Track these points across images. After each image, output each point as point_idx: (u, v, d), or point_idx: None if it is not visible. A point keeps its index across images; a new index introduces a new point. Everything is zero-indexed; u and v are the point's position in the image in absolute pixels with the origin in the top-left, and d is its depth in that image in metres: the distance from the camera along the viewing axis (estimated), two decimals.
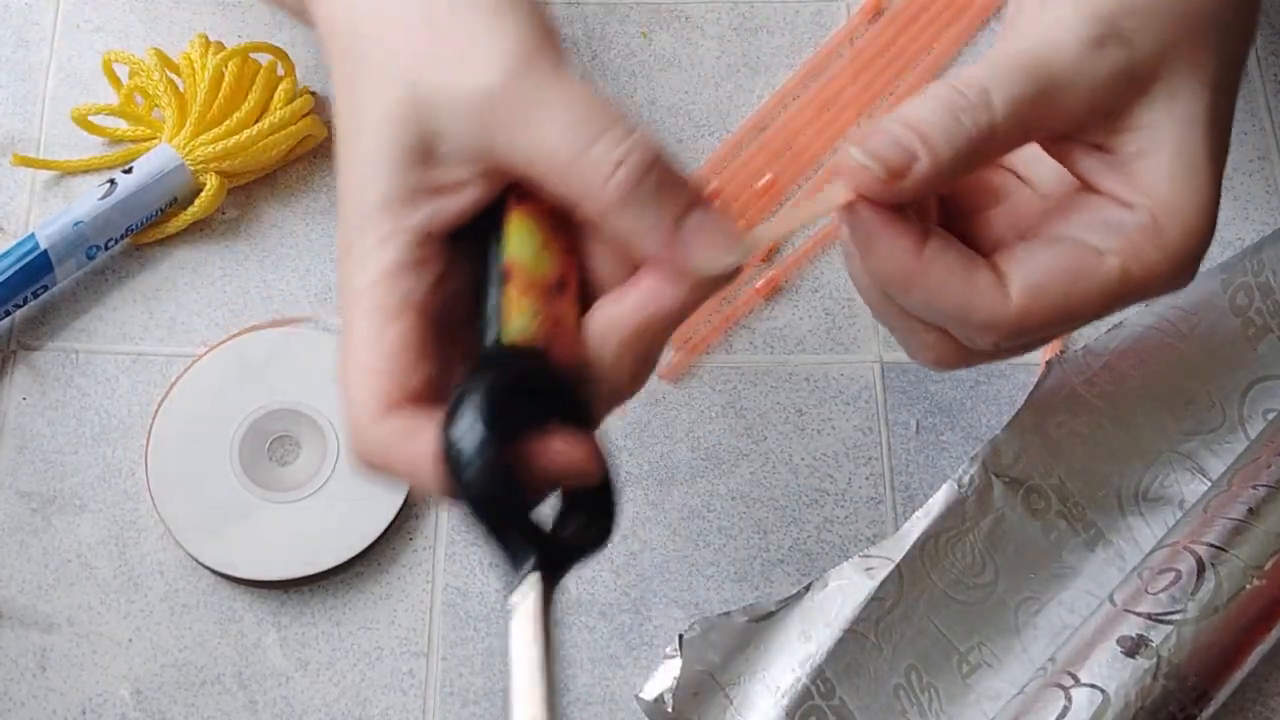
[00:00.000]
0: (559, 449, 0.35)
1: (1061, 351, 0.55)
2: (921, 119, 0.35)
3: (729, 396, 0.56)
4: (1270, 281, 0.52)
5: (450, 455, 0.34)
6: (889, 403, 0.56)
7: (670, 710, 0.49)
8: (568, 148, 0.35)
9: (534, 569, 0.35)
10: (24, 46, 0.62)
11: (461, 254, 0.37)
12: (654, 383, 0.56)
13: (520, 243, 0.37)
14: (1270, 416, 0.52)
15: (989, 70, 0.35)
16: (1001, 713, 0.48)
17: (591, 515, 0.37)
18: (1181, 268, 0.37)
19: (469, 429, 0.34)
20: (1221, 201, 0.61)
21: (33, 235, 0.55)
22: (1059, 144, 0.37)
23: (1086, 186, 0.37)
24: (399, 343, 0.36)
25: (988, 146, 0.35)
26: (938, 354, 0.39)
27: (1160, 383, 0.53)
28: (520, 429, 0.35)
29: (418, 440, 0.35)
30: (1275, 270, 0.52)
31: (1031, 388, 0.53)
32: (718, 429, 0.56)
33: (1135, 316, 0.53)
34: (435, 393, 0.36)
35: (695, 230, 0.35)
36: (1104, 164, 0.37)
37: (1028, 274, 0.36)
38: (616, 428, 0.56)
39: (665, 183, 0.35)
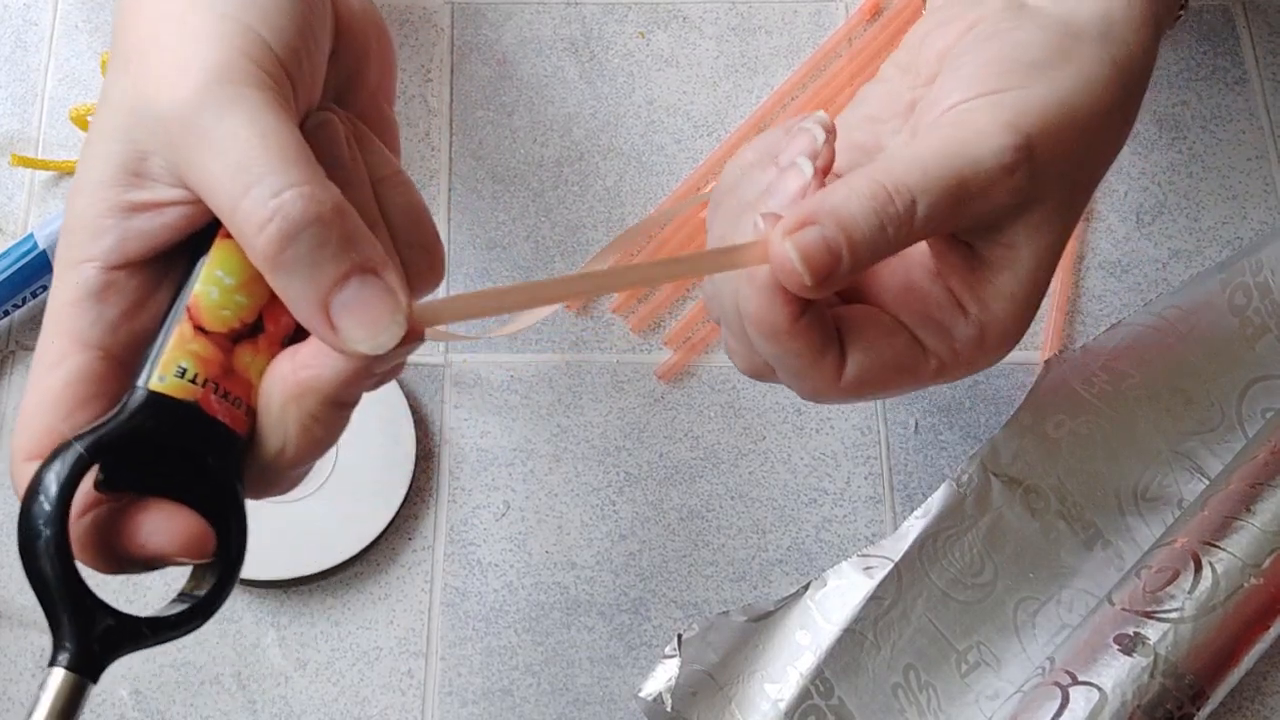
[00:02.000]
0: (152, 525, 0.34)
1: (1060, 351, 0.55)
2: (854, 224, 0.36)
3: (728, 396, 0.56)
4: (1269, 281, 0.52)
5: (20, 521, 0.33)
6: (888, 402, 0.56)
7: (669, 710, 0.49)
8: (226, 190, 0.32)
9: (60, 664, 0.33)
10: (22, 47, 0.62)
11: (170, 279, 0.35)
12: (653, 383, 0.56)
13: (216, 278, 0.35)
14: (1269, 416, 0.52)
15: (919, 179, 0.36)
16: (1000, 711, 0.48)
17: (192, 596, 0.35)
18: (985, 365, 0.40)
19: (38, 496, 0.33)
20: (1219, 201, 0.62)
21: (31, 235, 0.55)
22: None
23: (938, 273, 0.39)
24: (65, 381, 0.34)
25: (899, 247, 0.37)
26: (748, 365, 0.41)
27: (1159, 382, 0.53)
28: (133, 490, 0.33)
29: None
30: (1274, 270, 0.52)
31: (1030, 387, 0.53)
32: (717, 429, 0.56)
33: (1134, 316, 0.53)
34: None
35: (347, 305, 0.33)
36: (961, 261, 0.39)
37: (862, 365, 0.38)
38: (616, 428, 0.56)
39: (320, 247, 0.32)
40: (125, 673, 0.51)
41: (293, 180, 0.32)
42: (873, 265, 0.37)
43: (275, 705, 0.51)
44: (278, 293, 0.33)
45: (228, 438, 0.35)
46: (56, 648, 0.33)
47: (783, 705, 0.49)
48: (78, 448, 0.33)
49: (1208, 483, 0.52)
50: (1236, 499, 0.49)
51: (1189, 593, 0.47)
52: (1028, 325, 0.39)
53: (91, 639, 0.33)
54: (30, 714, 0.33)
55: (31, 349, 0.56)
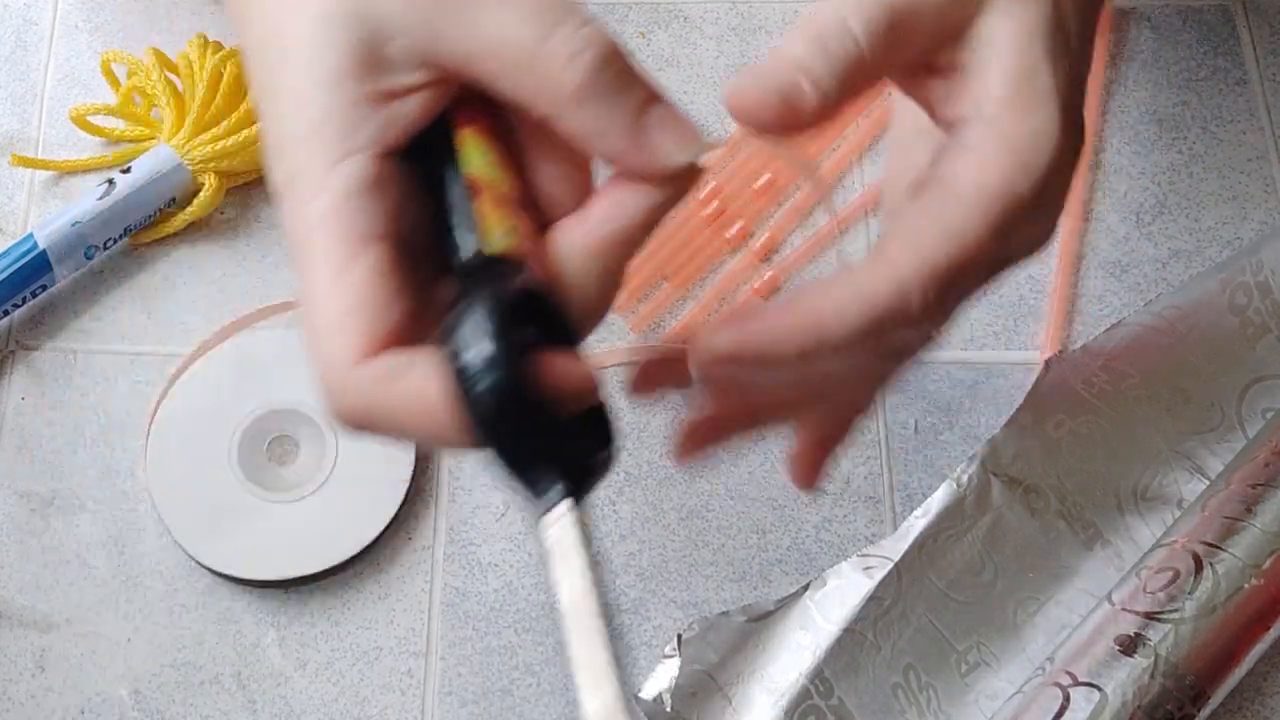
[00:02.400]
0: (563, 368, 0.33)
1: (1060, 351, 0.55)
2: (793, 55, 0.35)
3: None
4: (1269, 281, 0.52)
5: (459, 375, 0.31)
6: (887, 402, 0.56)
7: (669, 710, 0.49)
8: (523, 39, 0.32)
9: (564, 494, 0.32)
10: (22, 47, 0.62)
11: (409, 179, 0.34)
12: None
13: (477, 159, 0.34)
14: (1269, 416, 0.52)
15: (838, 4, 0.35)
16: (1000, 712, 0.48)
17: (594, 437, 0.34)
18: (1038, 175, 0.35)
19: (476, 344, 0.31)
20: (1219, 201, 0.62)
21: (31, 235, 0.55)
22: (915, 81, 0.38)
23: (937, 120, 0.37)
24: (370, 276, 0.33)
25: (858, 73, 0.35)
26: (873, 390, 0.39)
27: (1159, 382, 0.53)
28: (522, 347, 0.32)
29: (407, 380, 0.32)
30: (1274, 270, 0.52)
31: (1030, 387, 0.53)
32: None
33: (1134, 316, 0.53)
34: (416, 329, 0.33)
35: (658, 123, 0.34)
36: (947, 87, 0.37)
37: (900, 233, 0.35)
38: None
39: (626, 74, 0.34)
40: (125, 672, 0.51)
41: (588, 18, 0.33)
42: (841, 90, 0.35)
43: (275, 705, 0.51)
44: (583, 128, 0.33)
45: (555, 295, 0.34)
46: (543, 488, 0.32)
47: (782, 705, 0.49)
48: (490, 296, 0.32)
49: (1208, 483, 0.52)
50: (1237, 499, 0.49)
51: (1189, 593, 0.47)
52: (1062, 121, 0.35)
53: (571, 467, 0.33)
54: (559, 555, 0.32)
55: (31, 349, 0.56)
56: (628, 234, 0.34)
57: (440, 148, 0.34)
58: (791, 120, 0.35)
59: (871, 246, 0.39)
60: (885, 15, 0.35)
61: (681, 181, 0.34)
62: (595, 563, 0.32)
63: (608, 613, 0.31)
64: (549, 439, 0.32)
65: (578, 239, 0.34)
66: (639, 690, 0.49)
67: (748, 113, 0.35)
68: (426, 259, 0.34)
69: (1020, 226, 0.36)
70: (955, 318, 0.38)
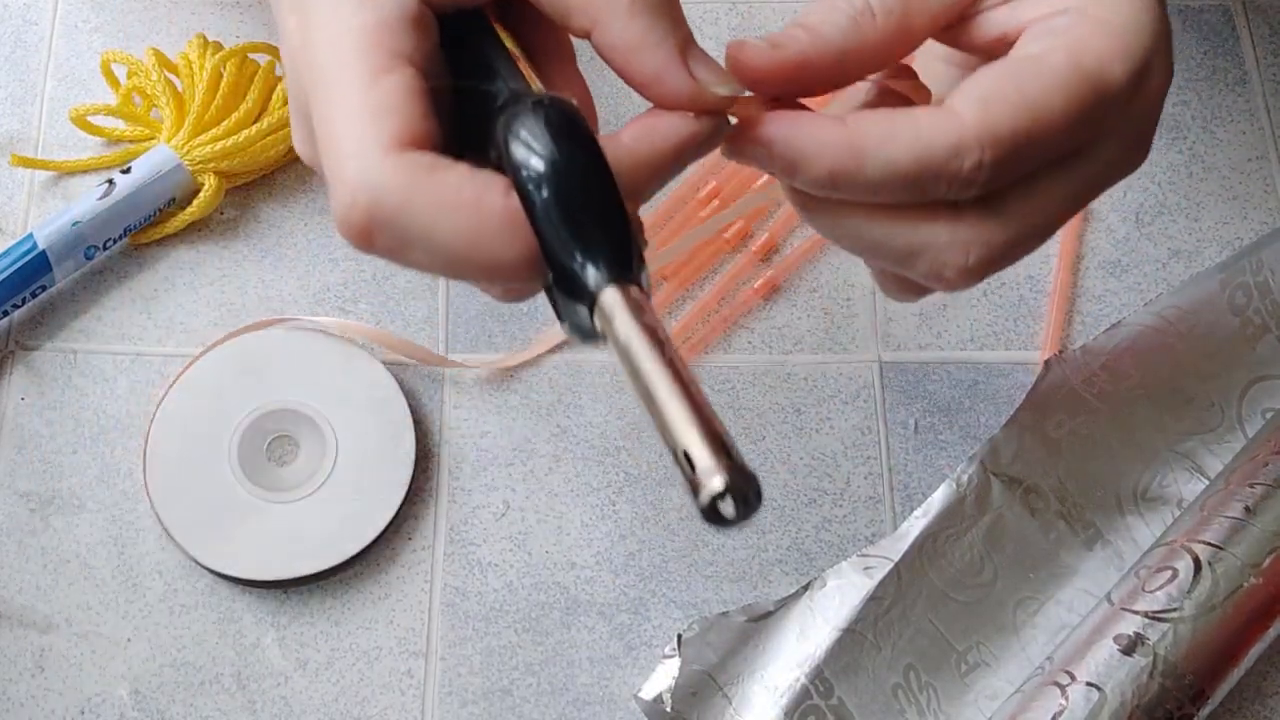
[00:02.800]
0: (641, 140, 0.33)
1: (1060, 351, 0.55)
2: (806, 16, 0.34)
3: (728, 396, 0.56)
4: (1269, 281, 0.52)
5: (524, 154, 0.31)
6: (887, 402, 0.56)
7: (669, 710, 0.49)
8: None
9: (623, 279, 0.31)
10: (22, 47, 0.62)
11: (437, 45, 0.34)
12: None
13: (514, 49, 0.35)
14: (1269, 416, 0.52)
15: None
16: (999, 711, 0.48)
17: (634, 227, 0.34)
18: (1136, 62, 0.34)
19: (548, 127, 0.31)
20: (1219, 201, 0.62)
21: (31, 235, 0.55)
22: (960, 30, 0.36)
23: (990, 47, 0.36)
24: (404, 87, 0.32)
25: (873, 37, 0.34)
26: (957, 254, 0.35)
27: (1159, 382, 0.53)
28: (591, 136, 0.32)
29: (448, 173, 0.31)
30: (1274, 270, 0.52)
31: (1030, 387, 0.53)
32: None
33: (1134, 316, 0.53)
34: (448, 153, 0.32)
35: (699, 57, 0.34)
36: (1011, 6, 0.35)
37: (972, 90, 0.34)
38: (615, 428, 0.56)
39: (678, 5, 0.34)
40: (125, 672, 0.51)
41: None
42: (862, 48, 0.34)
43: (275, 705, 0.51)
44: (629, 40, 0.33)
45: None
46: (603, 268, 0.31)
47: (782, 705, 0.49)
48: (553, 97, 0.32)
49: (1207, 483, 0.52)
50: (1236, 499, 0.49)
51: (1189, 593, 0.47)
52: (1152, 7, 0.34)
53: (631, 249, 0.32)
54: (613, 337, 0.31)
55: (31, 349, 0.56)
56: (655, 160, 0.34)
57: (479, 31, 0.35)
58: (791, 79, 0.34)
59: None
60: None
61: (713, 122, 0.34)
62: (667, 337, 0.31)
63: (692, 377, 0.30)
64: (610, 222, 0.32)
65: (610, 154, 0.33)
66: (639, 691, 0.49)
67: (746, 61, 0.34)
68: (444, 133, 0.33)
69: (1110, 119, 0.34)
70: (1014, 217, 0.35)
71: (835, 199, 0.35)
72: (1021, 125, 0.33)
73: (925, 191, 0.34)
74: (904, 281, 0.38)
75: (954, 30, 0.37)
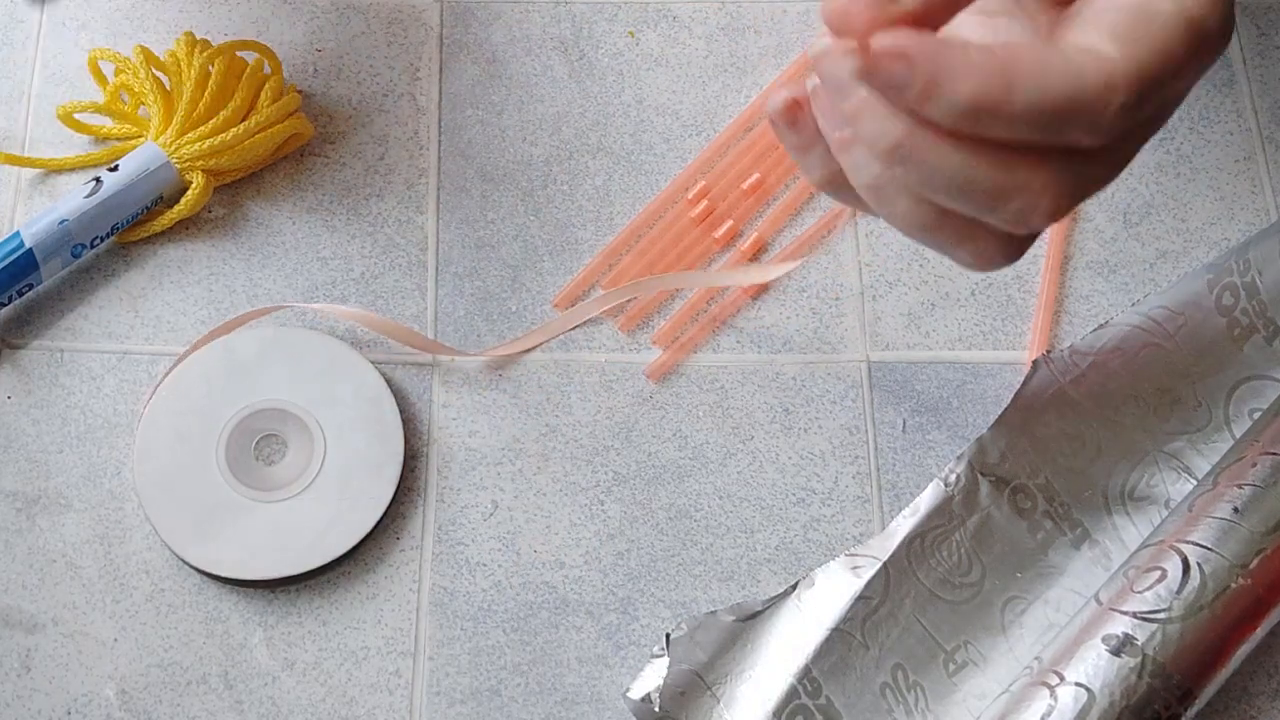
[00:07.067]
0: None
1: (1048, 351, 0.55)
2: None
3: (716, 396, 0.56)
4: (1256, 281, 0.52)
5: None
6: (876, 402, 0.56)
7: (657, 709, 0.49)
8: None
9: None
10: (9, 44, 0.62)
11: None
12: (642, 382, 0.56)
13: None
14: (1256, 416, 0.53)
15: None
16: (987, 711, 0.48)
17: None
18: (1222, 11, 0.34)
19: None
20: (1206, 202, 0.62)
21: (18, 233, 0.55)
22: None
23: None
24: None
25: None
26: (1054, 190, 0.33)
27: (1146, 382, 0.53)
28: None
29: None
30: (1261, 270, 0.52)
31: (1018, 387, 0.53)
32: (705, 428, 0.56)
33: (1121, 316, 0.53)
34: None
35: None
36: None
37: (1104, 28, 0.33)
38: (604, 427, 0.56)
39: None
40: (111, 672, 0.51)
41: None
42: None
43: (262, 705, 0.51)
44: None
45: None
46: None
47: (770, 705, 0.49)
48: None
49: (1195, 483, 0.52)
50: (1224, 500, 0.49)
51: (1176, 593, 0.47)
52: None
53: None
54: None
55: (17, 347, 0.56)
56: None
57: None
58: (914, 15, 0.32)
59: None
60: None
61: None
62: None
63: None
64: None
65: None
66: (627, 690, 0.49)
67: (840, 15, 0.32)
68: None
69: (1191, 69, 0.34)
70: (1115, 163, 0.35)
71: (938, 132, 0.33)
72: (1158, 69, 0.33)
73: (1063, 130, 0.32)
74: (971, 233, 0.35)
75: None
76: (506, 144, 0.61)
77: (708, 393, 0.56)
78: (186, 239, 0.58)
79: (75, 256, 0.56)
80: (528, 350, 0.56)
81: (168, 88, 0.59)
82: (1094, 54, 0.32)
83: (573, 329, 0.57)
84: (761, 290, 0.58)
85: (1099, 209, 0.60)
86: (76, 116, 0.59)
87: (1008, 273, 0.59)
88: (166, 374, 0.55)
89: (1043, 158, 0.33)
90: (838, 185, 0.37)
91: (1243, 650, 0.47)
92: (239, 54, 0.59)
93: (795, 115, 0.36)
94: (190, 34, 0.59)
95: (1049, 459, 0.53)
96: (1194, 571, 0.47)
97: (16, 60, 0.62)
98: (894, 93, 0.32)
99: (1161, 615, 0.46)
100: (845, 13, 0.32)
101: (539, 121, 0.61)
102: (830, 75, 0.33)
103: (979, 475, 0.52)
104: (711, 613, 0.50)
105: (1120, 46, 0.32)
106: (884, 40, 0.32)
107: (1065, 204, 0.34)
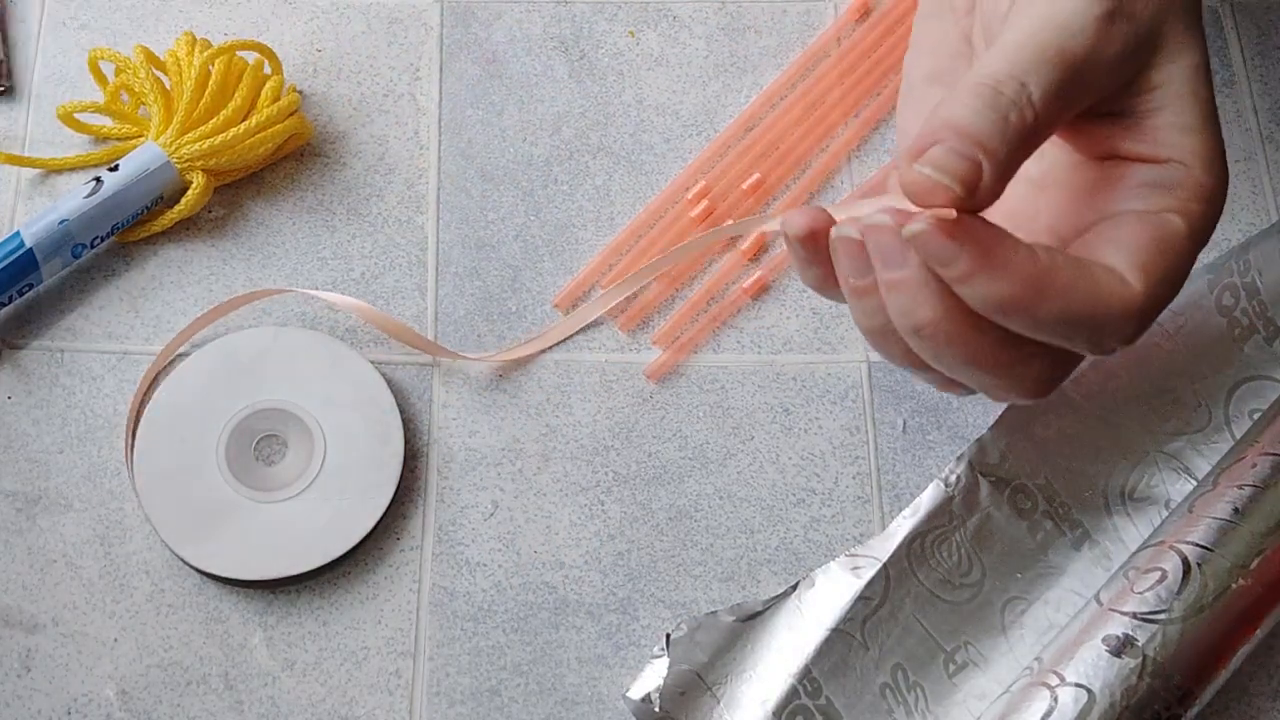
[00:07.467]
0: None
1: None
2: (971, 125, 0.34)
3: (716, 396, 0.56)
4: (1256, 282, 0.52)
5: None
6: (876, 402, 0.56)
7: (657, 710, 0.49)
8: None
9: None
10: (8, 44, 0.62)
11: None
12: (642, 382, 0.56)
13: None
14: (1256, 416, 0.53)
15: (1018, 62, 0.35)
16: (988, 712, 0.48)
17: None
18: (1217, 211, 0.37)
19: None
20: None
21: (18, 233, 0.55)
22: (1075, 121, 0.38)
23: (1108, 156, 0.38)
24: None
25: (1032, 142, 0.35)
26: (1047, 376, 0.37)
27: (1147, 382, 0.53)
28: None
29: None
30: (1261, 270, 0.52)
31: None
32: (705, 428, 0.56)
33: None
34: None
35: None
36: (1122, 128, 0.38)
37: (1129, 255, 0.36)
38: (604, 427, 0.56)
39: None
40: (111, 673, 0.51)
41: None
42: (1015, 163, 0.35)
43: (262, 705, 0.51)
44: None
45: None
46: None
47: (770, 705, 0.49)
48: None
49: (1195, 483, 0.52)
50: (1224, 500, 0.49)
51: (1177, 594, 0.47)
52: (1223, 150, 0.38)
53: None
54: None
55: (17, 347, 0.56)
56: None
57: None
58: (967, 205, 0.34)
59: None
60: (1061, 77, 0.35)
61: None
62: None
63: None
64: None
65: None
66: (627, 690, 0.49)
67: (923, 198, 0.34)
68: None
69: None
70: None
71: (961, 311, 0.36)
72: (1170, 297, 0.36)
73: (1073, 340, 0.36)
74: (950, 385, 0.39)
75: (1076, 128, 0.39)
76: (506, 144, 0.61)
77: (708, 393, 0.56)
78: (186, 239, 0.58)
79: (75, 256, 0.56)
80: (536, 355, 0.56)
81: (168, 88, 0.59)
82: (1119, 281, 0.35)
83: (578, 332, 0.57)
84: (762, 290, 0.58)
85: None
86: (76, 116, 0.59)
87: None
88: (166, 374, 0.55)
89: (1044, 350, 0.36)
90: (830, 297, 0.40)
91: (1243, 651, 0.47)
92: (239, 54, 0.59)
93: (813, 244, 0.38)
94: (190, 34, 0.59)
95: (1049, 459, 0.53)
96: (1194, 572, 0.47)
97: (16, 60, 0.62)
98: (937, 265, 0.34)
99: (1162, 616, 0.46)
100: (921, 194, 0.34)
101: (539, 121, 0.61)
102: (881, 246, 0.35)
103: (979, 475, 0.52)
104: (711, 613, 0.50)
105: (1143, 279, 0.35)
106: (939, 216, 0.34)
107: (1046, 390, 0.38)
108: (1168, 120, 0.37)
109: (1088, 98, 0.37)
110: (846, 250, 0.37)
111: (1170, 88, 0.37)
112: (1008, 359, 0.36)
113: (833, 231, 0.37)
